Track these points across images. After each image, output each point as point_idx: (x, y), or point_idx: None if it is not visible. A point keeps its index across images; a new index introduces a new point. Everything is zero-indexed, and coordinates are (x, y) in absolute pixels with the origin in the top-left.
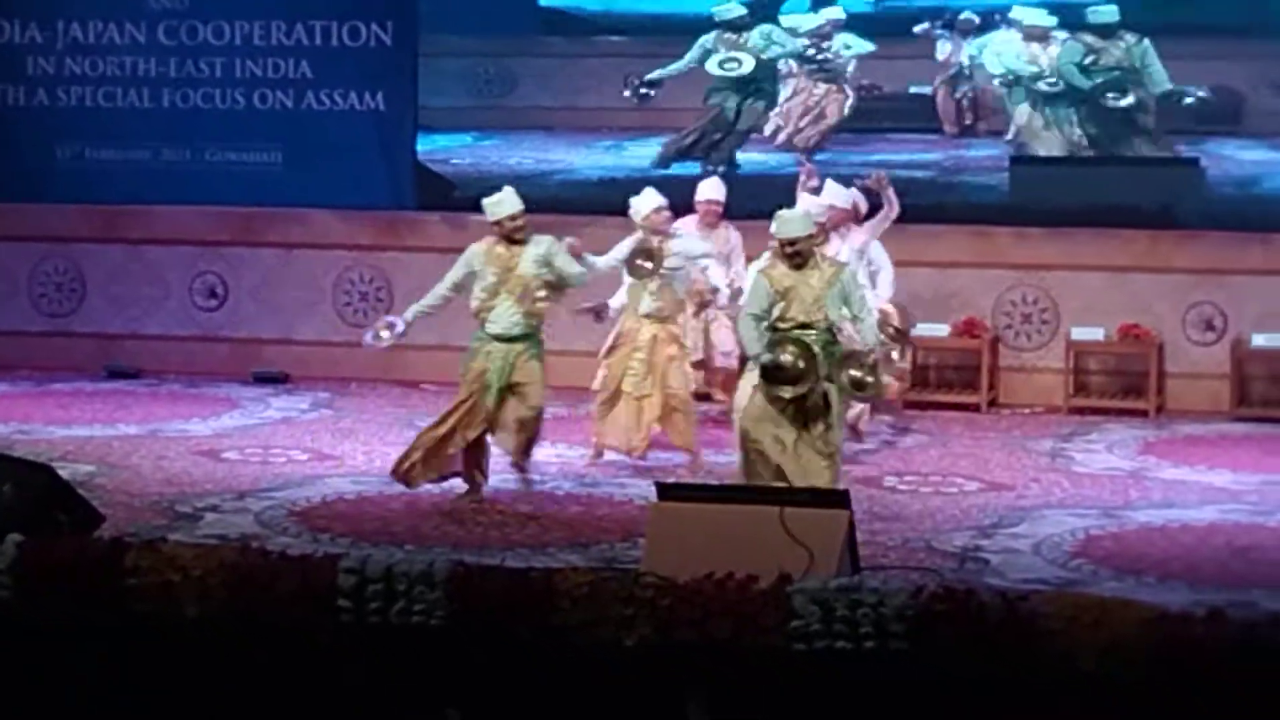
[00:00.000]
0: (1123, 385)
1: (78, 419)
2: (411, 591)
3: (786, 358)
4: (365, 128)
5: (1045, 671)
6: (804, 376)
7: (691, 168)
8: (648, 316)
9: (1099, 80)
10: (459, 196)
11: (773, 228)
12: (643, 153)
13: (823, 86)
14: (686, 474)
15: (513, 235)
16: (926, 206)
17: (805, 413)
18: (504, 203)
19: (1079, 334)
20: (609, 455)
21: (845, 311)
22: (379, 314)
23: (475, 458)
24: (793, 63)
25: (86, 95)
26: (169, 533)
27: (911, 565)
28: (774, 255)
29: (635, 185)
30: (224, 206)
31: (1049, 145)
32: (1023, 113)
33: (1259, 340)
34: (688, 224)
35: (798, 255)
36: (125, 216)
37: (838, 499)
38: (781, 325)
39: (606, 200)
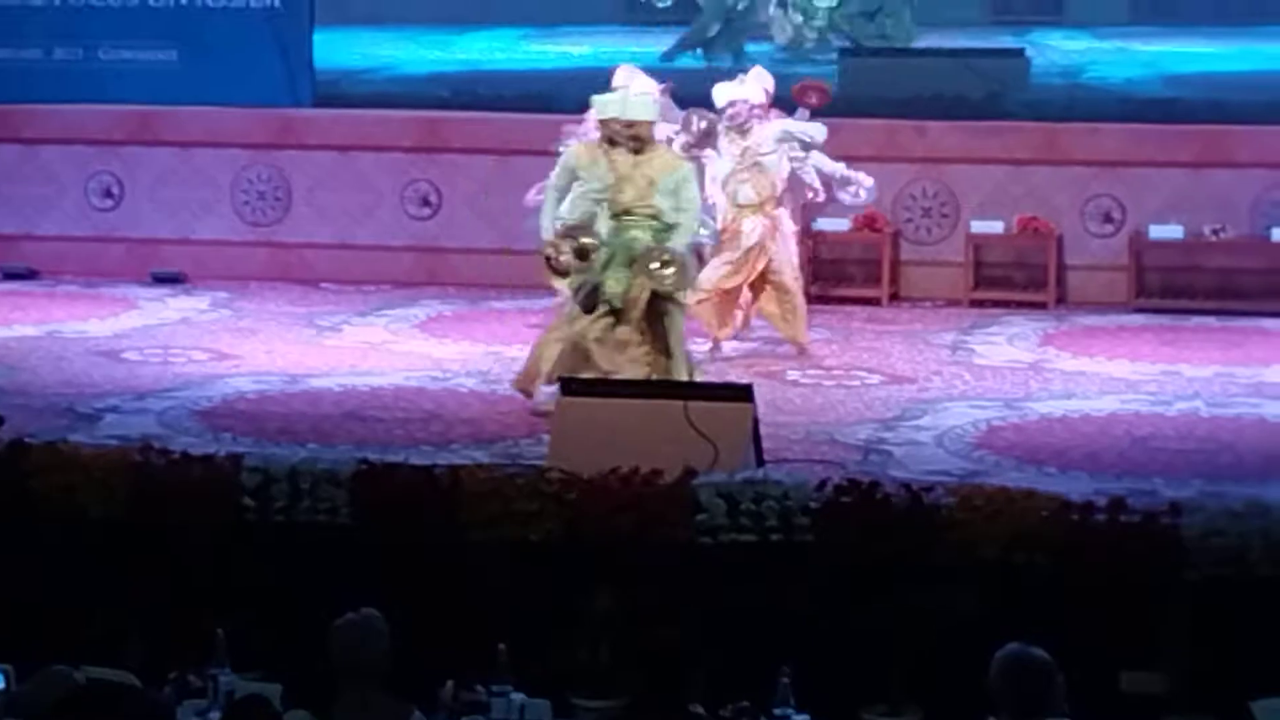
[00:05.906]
0: (1022, 278)
1: None
2: (316, 490)
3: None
4: (261, 24)
5: (949, 562)
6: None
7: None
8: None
9: None
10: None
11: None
12: (475, 47)
13: None
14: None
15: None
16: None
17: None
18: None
19: (979, 227)
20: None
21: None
22: (277, 212)
23: None
24: None
25: None
26: (69, 434)
27: (815, 458)
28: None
29: (463, 81)
30: (119, 105)
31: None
32: None
33: (1156, 232)
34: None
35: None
36: (18, 115)
37: (741, 393)
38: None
39: (437, 95)
